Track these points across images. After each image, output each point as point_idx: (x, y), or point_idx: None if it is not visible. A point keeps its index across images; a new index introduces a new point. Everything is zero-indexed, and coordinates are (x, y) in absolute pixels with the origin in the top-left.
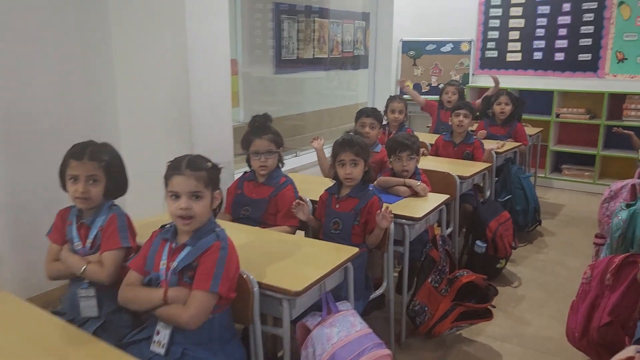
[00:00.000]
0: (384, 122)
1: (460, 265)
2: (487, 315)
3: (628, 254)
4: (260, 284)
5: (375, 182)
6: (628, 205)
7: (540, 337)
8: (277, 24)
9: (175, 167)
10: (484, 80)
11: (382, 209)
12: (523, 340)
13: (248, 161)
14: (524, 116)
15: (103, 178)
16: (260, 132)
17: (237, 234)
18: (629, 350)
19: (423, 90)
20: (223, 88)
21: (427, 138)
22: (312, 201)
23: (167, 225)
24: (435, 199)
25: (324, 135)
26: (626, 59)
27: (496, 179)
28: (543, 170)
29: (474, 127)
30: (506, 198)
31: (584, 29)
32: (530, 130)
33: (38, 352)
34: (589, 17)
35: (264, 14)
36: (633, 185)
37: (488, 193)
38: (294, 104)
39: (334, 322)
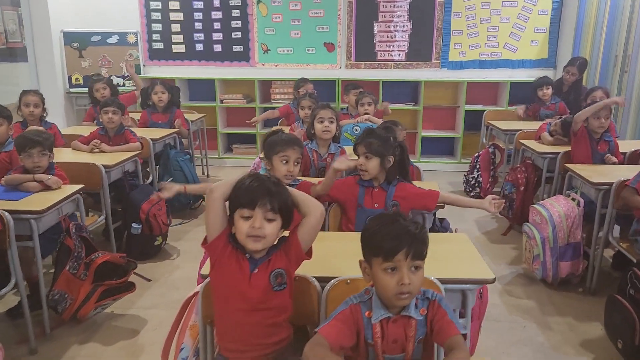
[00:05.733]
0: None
1: (121, 248)
2: (130, 288)
3: None
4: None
5: (2, 181)
6: None
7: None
8: None
9: None
10: (155, 70)
11: None
12: (171, 303)
13: None
14: (192, 103)
15: None
16: None
17: None
18: None
19: None
20: None
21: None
22: None
23: None
24: (69, 190)
25: None
26: (270, 50)
27: (157, 166)
28: (216, 151)
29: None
30: (169, 180)
31: (234, 23)
32: (194, 115)
33: None
34: (236, 12)
35: None
36: None
37: (150, 179)
38: None
39: None
